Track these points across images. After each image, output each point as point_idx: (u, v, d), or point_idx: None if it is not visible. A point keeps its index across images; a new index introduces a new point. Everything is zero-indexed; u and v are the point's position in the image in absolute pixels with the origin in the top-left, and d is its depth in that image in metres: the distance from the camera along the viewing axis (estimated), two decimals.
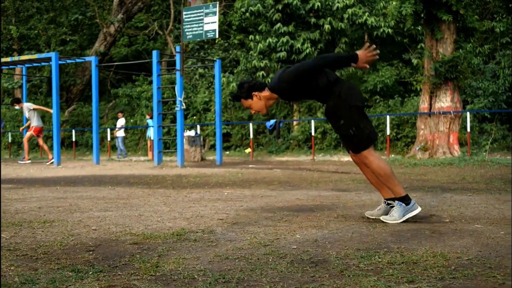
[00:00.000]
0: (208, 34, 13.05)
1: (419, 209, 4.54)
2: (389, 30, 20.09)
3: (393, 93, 20.79)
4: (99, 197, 6.92)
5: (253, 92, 4.69)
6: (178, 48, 13.49)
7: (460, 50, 14.62)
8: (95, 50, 30.36)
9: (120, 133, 22.15)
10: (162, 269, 3.05)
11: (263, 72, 21.02)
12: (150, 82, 28.50)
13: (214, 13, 12.82)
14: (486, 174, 9.94)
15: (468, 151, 14.62)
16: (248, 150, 22.54)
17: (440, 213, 5.06)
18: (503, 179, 8.68)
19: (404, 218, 4.49)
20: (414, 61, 20.13)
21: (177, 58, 13.35)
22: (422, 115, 15.26)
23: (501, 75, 19.05)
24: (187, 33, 13.33)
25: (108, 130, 23.82)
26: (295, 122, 22.35)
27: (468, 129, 15.05)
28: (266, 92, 4.68)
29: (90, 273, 3.00)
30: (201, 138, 17.13)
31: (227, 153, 22.67)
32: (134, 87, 29.25)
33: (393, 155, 16.93)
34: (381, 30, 20.15)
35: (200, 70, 26.13)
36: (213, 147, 23.68)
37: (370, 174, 4.69)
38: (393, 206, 4.60)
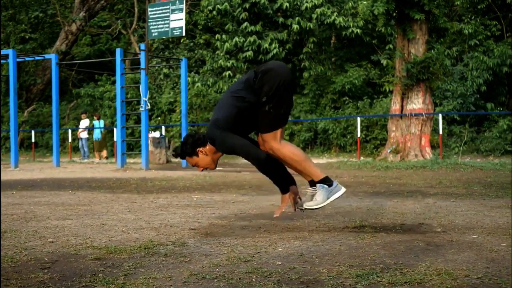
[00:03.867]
0: (174, 31, 12.56)
1: (343, 189, 4.17)
2: (358, 30, 19.85)
3: (362, 95, 20.56)
4: (57, 203, 6.41)
5: (198, 149, 4.26)
6: (142, 46, 12.96)
7: (432, 51, 14.40)
8: (56, 49, 29.50)
9: (84, 134, 21.48)
10: None
11: (229, 72, 20.58)
12: (113, 82, 27.84)
13: (181, 10, 12.33)
14: (462, 177, 9.70)
15: (440, 154, 14.41)
16: None
17: (428, 221, 4.72)
18: (481, 183, 8.43)
19: (328, 201, 4.11)
20: (384, 62, 19.92)
21: (142, 56, 12.82)
22: (393, 117, 15.02)
23: (469, 77, 18.95)
24: (152, 31, 12.81)
25: (70, 131, 23.11)
26: None
27: (441, 132, 14.87)
28: (209, 147, 4.25)
29: None
30: (166, 140, 16.62)
31: None
32: (96, 87, 28.51)
33: (362, 157, 16.67)
34: (350, 30, 19.90)
35: (165, 70, 25.57)
36: None
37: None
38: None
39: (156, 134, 16.11)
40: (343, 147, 19.17)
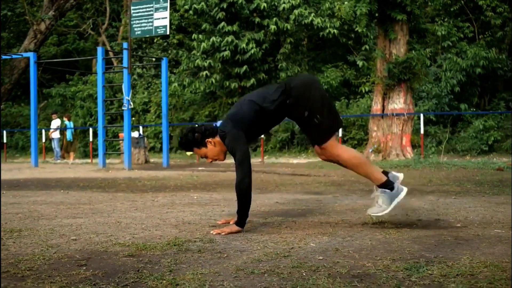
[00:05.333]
0: (158, 30, 12.44)
1: (405, 190, 4.18)
2: (335, 31, 19.96)
3: (338, 95, 20.69)
4: (56, 202, 6.29)
5: (207, 139, 4.25)
6: (125, 45, 12.81)
7: (413, 51, 14.57)
8: (24, 48, 28.95)
9: (56, 134, 21.15)
10: None
11: (206, 72, 20.50)
12: (85, 82, 27.51)
13: (165, 8, 12.22)
14: (449, 176, 9.81)
15: (422, 153, 14.58)
16: (190, 152, 21.94)
17: (443, 217, 4.76)
18: (471, 181, 8.55)
19: (392, 206, 4.12)
20: (360, 63, 20.09)
21: (125, 55, 12.67)
22: (375, 117, 15.14)
23: (443, 78, 19.25)
24: (135, 29, 12.66)
25: (43, 131, 22.74)
26: None
27: (422, 132, 15.06)
28: (219, 137, 4.26)
29: None
30: (145, 140, 16.46)
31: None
32: (68, 87, 28.12)
33: None
34: (327, 31, 20.00)
35: (138, 70, 25.36)
36: (152, 149, 22.99)
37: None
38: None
39: (135, 134, 15.94)
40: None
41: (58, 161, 19.93)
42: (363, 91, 20.01)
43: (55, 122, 21.38)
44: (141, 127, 20.02)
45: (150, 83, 25.67)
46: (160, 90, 24.37)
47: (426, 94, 18.99)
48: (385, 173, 4.26)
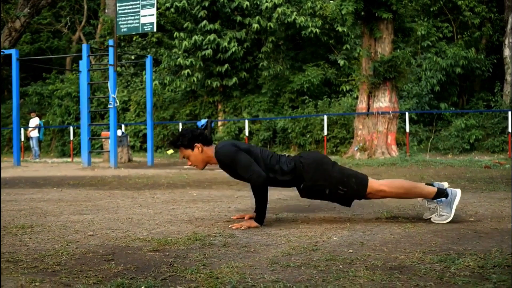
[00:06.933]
0: (145, 27, 12.34)
1: (459, 191, 4.20)
2: (317, 30, 20.00)
3: (319, 94, 20.73)
4: (54, 199, 6.19)
5: (196, 143, 4.25)
6: (111, 42, 12.66)
7: (398, 50, 14.68)
8: None
9: (34, 133, 20.85)
10: (227, 280, 2.54)
11: (188, 70, 20.39)
12: (62, 80, 27.19)
13: (152, 5, 12.12)
14: (439, 173, 9.89)
15: (408, 151, 14.69)
16: (171, 151, 21.83)
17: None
18: (462, 178, 8.63)
19: (453, 211, 4.15)
20: (341, 62, 20.16)
21: (110, 52, 12.53)
22: (360, 116, 15.21)
23: (423, 78, 19.42)
24: (121, 26, 12.53)
25: (22, 130, 22.38)
26: (219, 123, 21.86)
27: (408, 130, 15.16)
28: (210, 150, 4.26)
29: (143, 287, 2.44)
30: (128, 138, 16.30)
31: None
32: (45, 85, 27.75)
33: None
34: (309, 30, 20.03)
35: (118, 69, 25.11)
36: (132, 148, 22.79)
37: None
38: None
39: (118, 132, 15.76)
40: (302, 145, 19.28)
41: (37, 160, 19.65)
42: (344, 90, 20.09)
43: (34, 121, 21.07)
44: (123, 126, 19.82)
45: (129, 82, 25.47)
46: (140, 89, 24.22)
47: (407, 93, 19.14)
48: (430, 184, 4.28)
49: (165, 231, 3.93)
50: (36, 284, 2.52)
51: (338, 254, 3.09)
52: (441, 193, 4.16)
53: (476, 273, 2.63)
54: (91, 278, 2.62)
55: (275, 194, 6.48)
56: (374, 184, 4.18)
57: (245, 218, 4.33)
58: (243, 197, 6.32)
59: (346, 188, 4.11)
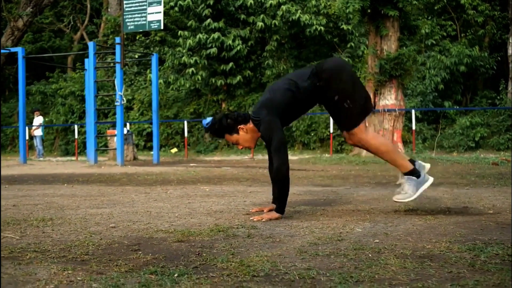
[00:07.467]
0: (152, 25, 12.34)
1: (431, 179, 4.23)
2: (321, 28, 20.00)
3: None
4: (67, 195, 6.20)
5: (239, 126, 4.25)
6: (118, 39, 12.67)
7: (404, 47, 14.68)
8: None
9: (38, 132, 20.86)
10: (259, 268, 2.54)
11: (192, 69, 20.39)
12: (66, 79, 27.20)
13: (159, 3, 12.13)
14: (448, 170, 9.90)
15: (414, 149, 14.69)
16: (174, 150, 21.85)
17: (471, 204, 4.79)
18: (472, 174, 8.63)
19: (418, 193, 4.16)
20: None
21: (117, 50, 12.54)
22: None
23: (427, 76, 19.42)
24: (128, 24, 12.53)
25: (26, 129, 22.38)
26: None
27: (414, 127, 15.15)
28: (252, 126, 4.26)
29: (176, 275, 2.44)
30: (133, 137, 16.30)
31: (151, 153, 21.84)
32: (48, 84, 27.77)
33: (326, 154, 16.81)
34: (314, 28, 20.02)
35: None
36: (136, 146, 22.78)
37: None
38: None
39: (124, 130, 15.75)
40: (307, 144, 19.27)
41: (41, 159, 19.66)
42: None
43: (38, 120, 21.09)
44: (128, 124, 19.82)
45: (133, 81, 25.47)
46: (144, 88, 24.23)
47: (411, 91, 19.14)
48: (412, 161, 4.28)
49: (186, 223, 3.94)
50: (69, 272, 2.53)
51: (365, 244, 3.10)
52: (415, 173, 4.17)
53: (507, 261, 2.64)
54: (122, 267, 2.63)
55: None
56: (364, 127, 4.21)
57: (264, 211, 4.33)
58: (256, 192, 6.32)
59: (353, 104, 4.07)
